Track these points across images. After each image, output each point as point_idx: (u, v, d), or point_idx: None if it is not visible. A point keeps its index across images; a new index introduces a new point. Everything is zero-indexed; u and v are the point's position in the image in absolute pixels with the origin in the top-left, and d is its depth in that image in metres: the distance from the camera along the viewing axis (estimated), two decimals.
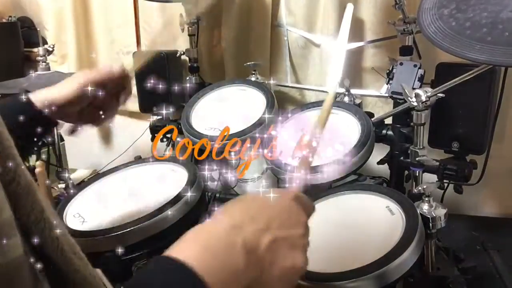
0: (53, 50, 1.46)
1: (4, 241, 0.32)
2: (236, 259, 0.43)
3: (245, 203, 0.52)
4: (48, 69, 1.41)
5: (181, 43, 1.75)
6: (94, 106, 0.80)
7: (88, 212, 0.92)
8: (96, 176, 1.11)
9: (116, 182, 1.06)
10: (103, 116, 0.82)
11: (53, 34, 1.96)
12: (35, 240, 0.37)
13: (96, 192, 1.01)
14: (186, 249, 0.43)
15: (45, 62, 1.40)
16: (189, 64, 1.63)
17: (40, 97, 0.73)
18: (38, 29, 1.74)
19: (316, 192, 0.98)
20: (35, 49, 1.58)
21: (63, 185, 1.53)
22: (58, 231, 0.38)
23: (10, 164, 0.35)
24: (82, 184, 1.09)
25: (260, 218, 0.48)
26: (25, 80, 1.34)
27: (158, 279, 0.40)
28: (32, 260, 0.36)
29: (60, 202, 0.99)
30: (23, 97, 0.72)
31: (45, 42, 1.65)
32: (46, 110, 0.73)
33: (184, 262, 0.40)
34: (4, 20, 1.95)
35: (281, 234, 0.48)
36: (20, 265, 0.34)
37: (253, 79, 1.39)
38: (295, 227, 0.50)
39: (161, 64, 1.61)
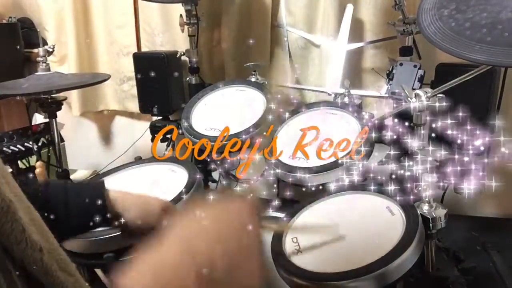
0: (53, 50, 1.46)
1: None
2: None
3: (198, 217, 0.51)
4: (48, 70, 1.40)
5: (181, 44, 1.75)
6: None
7: None
8: (96, 176, 1.11)
9: (116, 183, 1.06)
10: None
11: (53, 35, 1.96)
12: (17, 260, 0.36)
13: None
14: (138, 282, 0.42)
15: (45, 62, 1.40)
16: (189, 65, 1.63)
17: (129, 216, 0.71)
18: (38, 30, 1.74)
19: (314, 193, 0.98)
20: (35, 50, 1.58)
21: None
22: (43, 250, 0.38)
23: None
24: None
25: (212, 233, 0.48)
26: (25, 81, 1.33)
27: None
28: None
29: None
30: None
31: (45, 43, 1.64)
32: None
33: None
34: (4, 21, 1.95)
35: (234, 247, 0.48)
36: None
37: (253, 79, 1.39)
38: (247, 235, 0.50)
39: (161, 65, 1.61)
